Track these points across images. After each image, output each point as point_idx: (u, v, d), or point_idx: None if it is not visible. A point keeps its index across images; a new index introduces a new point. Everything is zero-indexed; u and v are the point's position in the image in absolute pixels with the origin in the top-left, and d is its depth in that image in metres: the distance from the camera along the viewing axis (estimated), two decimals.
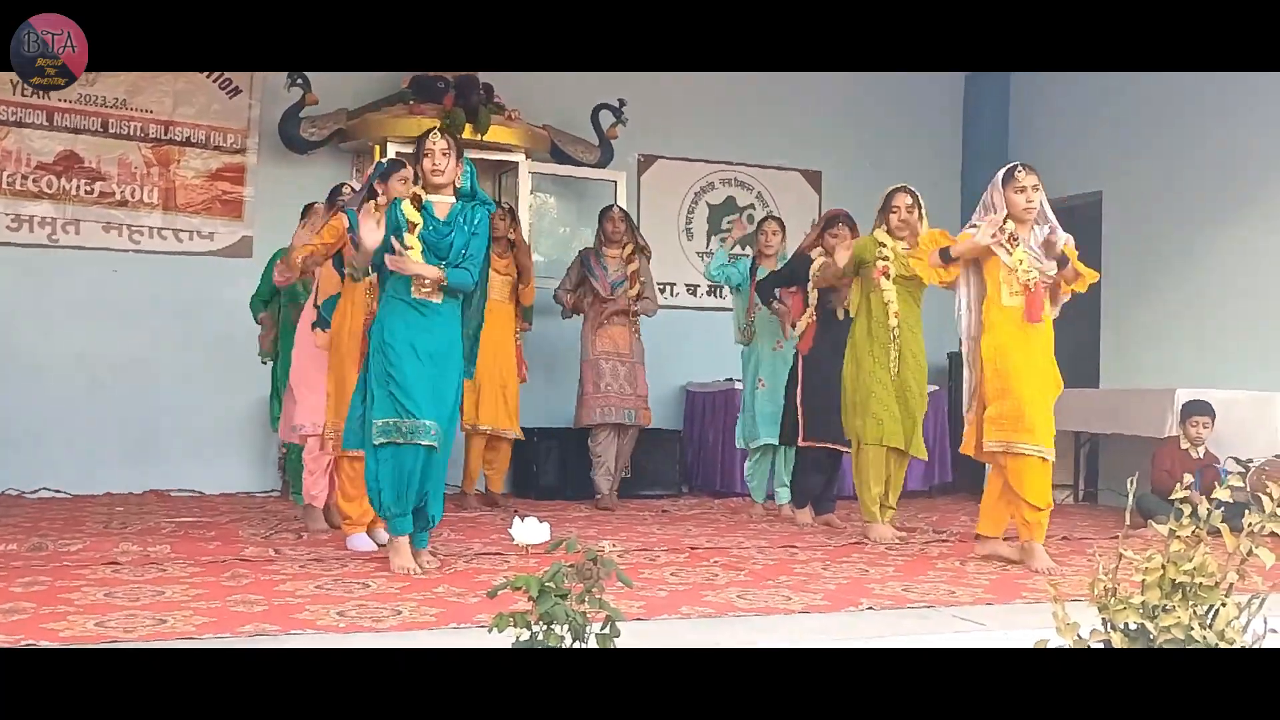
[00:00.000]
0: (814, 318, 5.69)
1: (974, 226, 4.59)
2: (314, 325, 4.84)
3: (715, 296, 7.85)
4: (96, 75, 6.62)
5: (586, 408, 6.37)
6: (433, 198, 4.12)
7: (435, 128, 4.26)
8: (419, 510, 4.12)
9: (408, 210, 4.07)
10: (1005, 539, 4.65)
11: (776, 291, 5.95)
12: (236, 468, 6.91)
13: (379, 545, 4.50)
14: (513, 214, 6.48)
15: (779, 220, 6.37)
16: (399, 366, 4.02)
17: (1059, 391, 4.58)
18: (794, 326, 5.85)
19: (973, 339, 4.62)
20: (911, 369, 5.24)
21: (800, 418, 5.73)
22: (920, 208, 5.26)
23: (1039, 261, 4.45)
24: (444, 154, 4.09)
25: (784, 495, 6.11)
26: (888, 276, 5.18)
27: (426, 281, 4.04)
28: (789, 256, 6.04)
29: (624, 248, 6.45)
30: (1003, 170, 4.58)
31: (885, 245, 5.22)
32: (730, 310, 6.63)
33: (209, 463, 6.82)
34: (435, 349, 4.07)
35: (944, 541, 5.20)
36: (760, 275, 6.11)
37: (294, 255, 4.85)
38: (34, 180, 6.66)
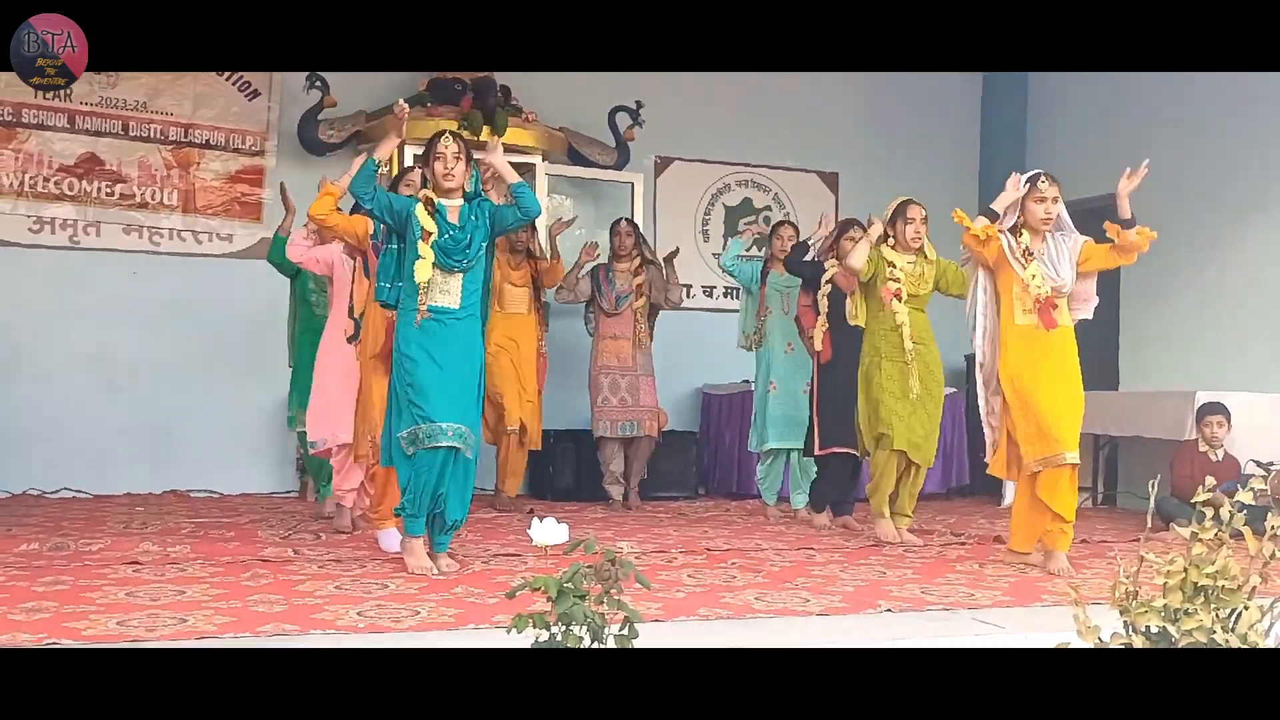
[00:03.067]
0: (826, 325, 5.66)
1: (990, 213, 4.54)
2: (350, 339, 4.79)
3: (731, 299, 7.84)
4: (118, 78, 6.68)
5: (593, 421, 6.45)
6: (443, 201, 4.14)
7: (446, 130, 4.26)
8: (438, 514, 4.14)
9: (422, 218, 4.07)
10: None
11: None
12: (255, 468, 6.95)
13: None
14: (532, 224, 6.50)
15: (794, 225, 6.37)
16: (414, 374, 4.03)
17: (1080, 400, 4.53)
18: (811, 338, 5.83)
19: (986, 356, 4.59)
20: (926, 383, 5.20)
21: (816, 426, 5.73)
22: (924, 220, 5.25)
23: (1054, 276, 4.42)
24: (455, 158, 4.11)
25: (799, 500, 6.10)
26: (899, 298, 5.14)
27: (446, 289, 4.09)
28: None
29: (632, 261, 6.47)
30: (1025, 176, 4.55)
31: (895, 265, 5.18)
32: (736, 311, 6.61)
33: (228, 463, 6.85)
34: (452, 356, 4.08)
35: (962, 544, 5.18)
36: (772, 279, 6.13)
37: (334, 209, 4.61)
38: (55, 183, 6.71)
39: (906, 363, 5.14)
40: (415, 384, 4.02)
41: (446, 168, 4.09)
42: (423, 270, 4.04)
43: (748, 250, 6.30)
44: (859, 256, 5.14)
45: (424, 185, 4.20)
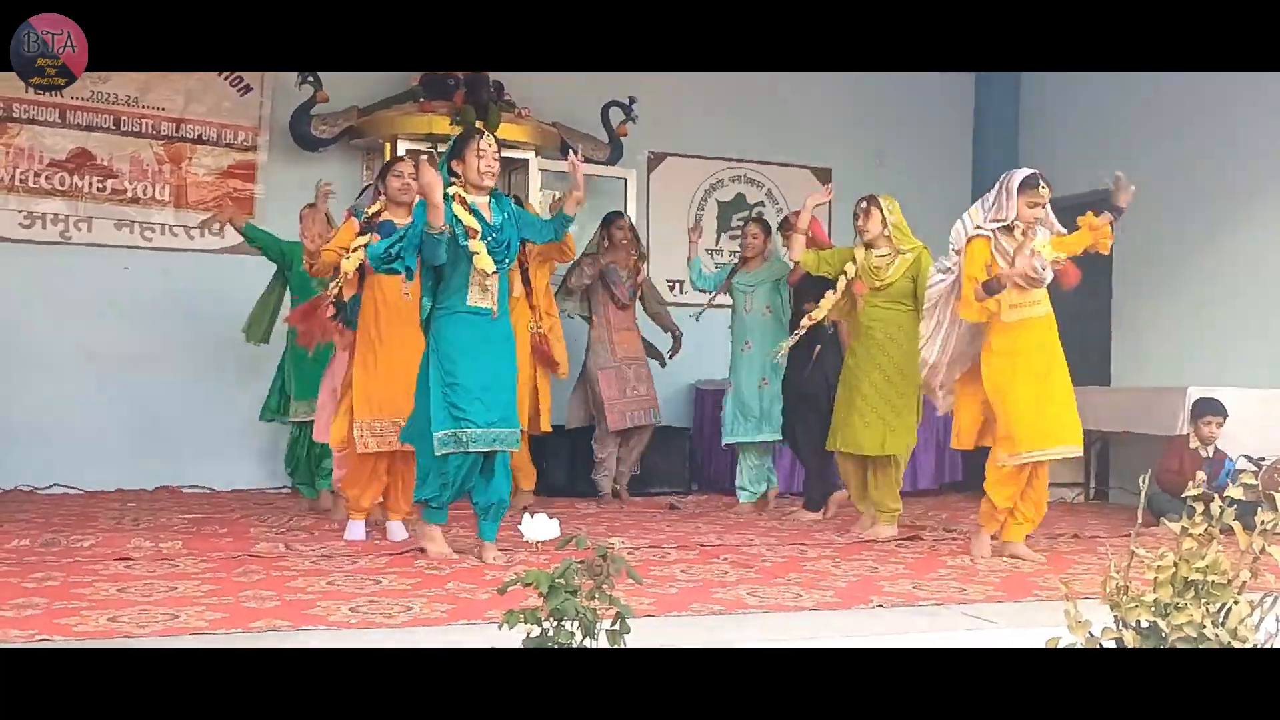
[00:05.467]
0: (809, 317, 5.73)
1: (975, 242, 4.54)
2: (334, 317, 4.73)
3: (725, 294, 7.83)
4: (109, 73, 6.65)
5: (615, 412, 6.41)
6: (473, 199, 4.17)
7: (482, 129, 4.32)
8: (480, 506, 4.24)
9: (464, 216, 4.08)
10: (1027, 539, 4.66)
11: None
12: (247, 464, 6.93)
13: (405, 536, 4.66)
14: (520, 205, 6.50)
15: (760, 222, 6.43)
16: (454, 374, 4.09)
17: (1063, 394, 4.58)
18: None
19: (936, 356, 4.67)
20: (888, 372, 5.16)
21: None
22: (879, 209, 5.17)
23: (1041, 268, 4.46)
24: (495, 158, 4.20)
25: (744, 496, 6.22)
26: (834, 289, 5.23)
27: (485, 288, 4.14)
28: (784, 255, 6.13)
29: (630, 255, 6.49)
30: (1020, 175, 4.53)
31: (854, 260, 5.23)
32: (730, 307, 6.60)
33: (220, 459, 6.84)
34: (491, 354, 4.16)
35: (954, 539, 5.18)
36: (737, 277, 6.22)
37: (324, 259, 4.76)
38: (46, 178, 6.68)
39: (870, 350, 5.19)
40: (457, 385, 4.08)
41: (490, 166, 4.17)
42: (486, 261, 4.06)
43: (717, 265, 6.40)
44: (796, 249, 5.35)
45: (451, 176, 4.16)
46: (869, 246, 5.23)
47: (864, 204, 5.21)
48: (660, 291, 7.56)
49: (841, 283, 5.22)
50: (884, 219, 5.17)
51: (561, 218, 4.41)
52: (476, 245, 4.05)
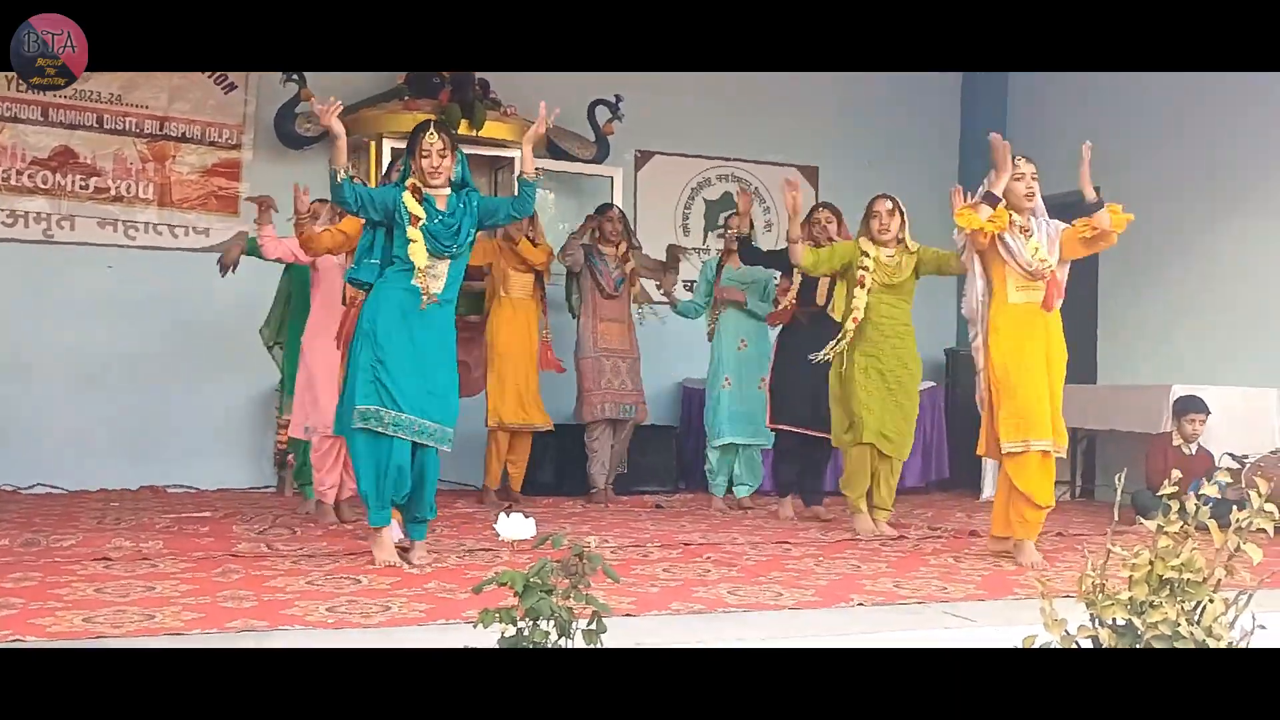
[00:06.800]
0: (795, 301, 5.74)
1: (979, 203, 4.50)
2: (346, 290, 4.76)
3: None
4: (91, 71, 6.60)
5: (589, 404, 6.37)
6: (430, 192, 4.13)
7: (430, 124, 4.22)
8: (409, 504, 4.12)
9: (410, 203, 4.05)
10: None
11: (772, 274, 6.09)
12: (232, 463, 6.90)
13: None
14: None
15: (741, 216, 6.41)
16: (387, 353, 4.00)
17: (1059, 387, 4.55)
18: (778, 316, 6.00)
19: (980, 339, 4.58)
20: (900, 375, 5.23)
21: (769, 402, 5.87)
22: (900, 212, 5.23)
23: (1047, 255, 4.44)
24: (441, 154, 4.09)
25: (743, 490, 6.22)
26: (862, 285, 5.17)
27: (435, 274, 4.06)
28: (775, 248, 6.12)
29: (618, 246, 6.47)
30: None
31: (868, 254, 5.20)
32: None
33: (204, 458, 6.81)
34: (428, 342, 4.08)
35: (938, 537, 5.19)
36: (726, 272, 6.20)
37: (316, 232, 4.79)
38: (29, 176, 6.64)
39: (877, 343, 5.18)
40: (387, 365, 3.99)
41: (433, 165, 4.08)
42: (418, 253, 4.01)
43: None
44: (796, 255, 5.18)
45: (406, 175, 4.16)
46: (882, 245, 5.21)
47: (889, 204, 5.22)
48: (647, 292, 7.55)
49: (864, 277, 5.17)
50: (904, 220, 5.23)
51: (524, 185, 4.27)
52: (414, 234, 4.01)
